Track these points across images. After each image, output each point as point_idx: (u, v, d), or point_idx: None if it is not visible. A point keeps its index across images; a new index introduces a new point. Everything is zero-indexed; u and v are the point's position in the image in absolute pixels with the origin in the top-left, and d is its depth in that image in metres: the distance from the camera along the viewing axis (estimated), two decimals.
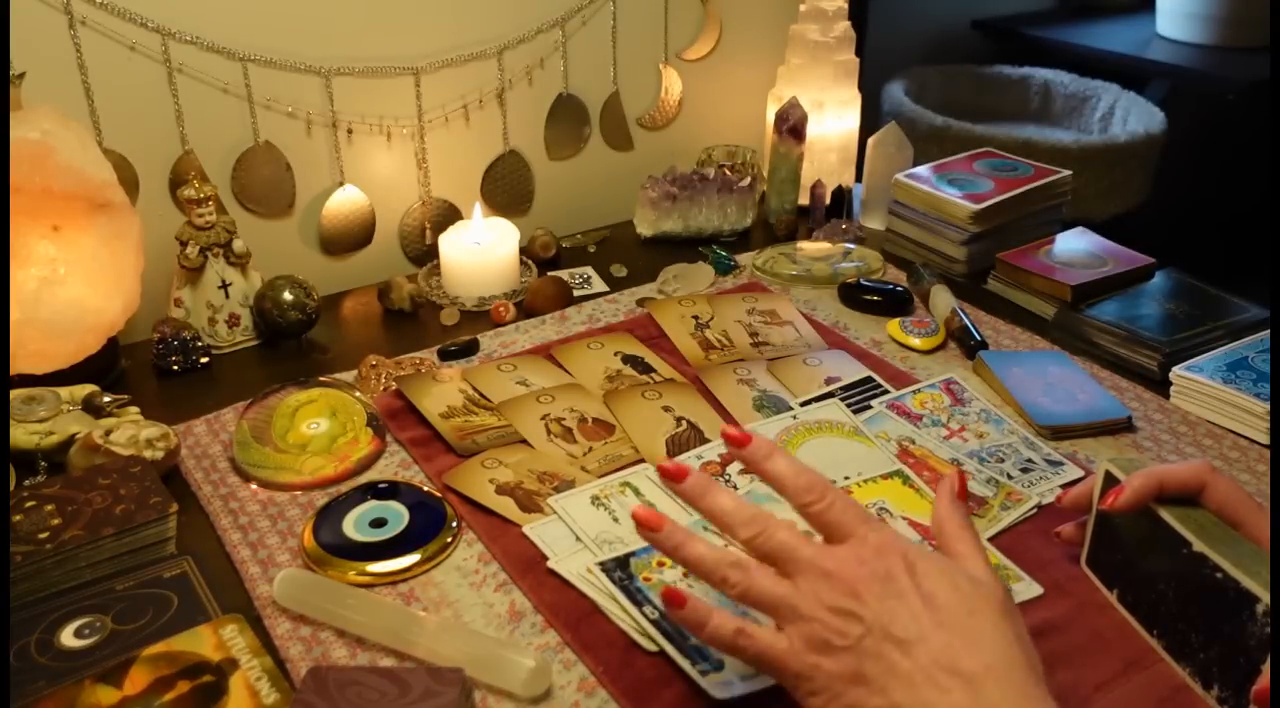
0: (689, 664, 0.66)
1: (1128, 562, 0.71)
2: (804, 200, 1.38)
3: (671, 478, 0.64)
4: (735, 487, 0.84)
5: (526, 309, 1.15)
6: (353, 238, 1.22)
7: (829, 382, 1.00)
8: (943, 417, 0.94)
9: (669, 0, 1.35)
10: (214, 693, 0.62)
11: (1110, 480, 0.71)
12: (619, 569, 0.74)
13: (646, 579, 0.73)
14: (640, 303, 1.16)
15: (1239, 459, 0.90)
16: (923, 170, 1.26)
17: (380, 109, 1.19)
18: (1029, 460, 0.88)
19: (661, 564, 0.74)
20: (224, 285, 1.07)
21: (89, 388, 0.92)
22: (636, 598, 0.71)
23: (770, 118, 1.36)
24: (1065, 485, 0.85)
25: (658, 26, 1.36)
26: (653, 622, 0.69)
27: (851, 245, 1.29)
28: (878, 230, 1.33)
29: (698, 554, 0.61)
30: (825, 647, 0.57)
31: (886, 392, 0.98)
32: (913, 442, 0.90)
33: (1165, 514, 0.67)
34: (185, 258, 1.05)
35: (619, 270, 1.25)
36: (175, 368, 1.03)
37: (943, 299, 1.12)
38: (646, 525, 0.62)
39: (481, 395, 0.97)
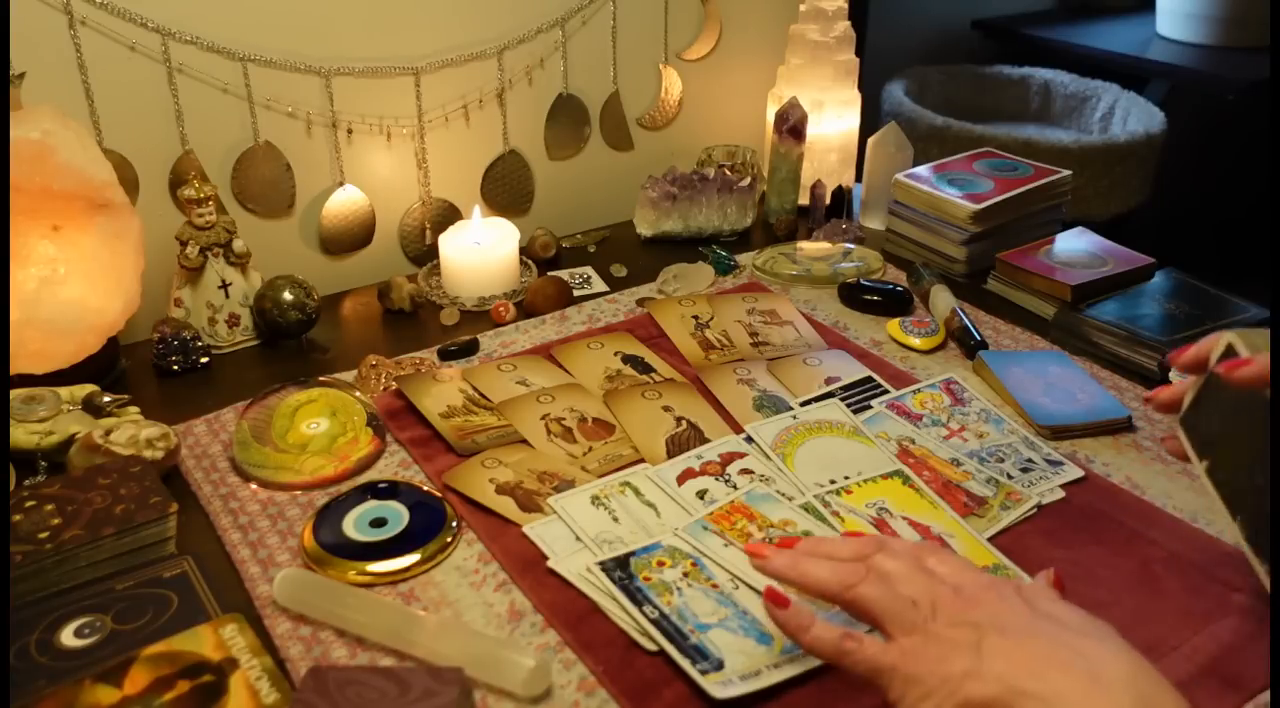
0: (689, 664, 0.66)
1: (1226, 437, 0.66)
2: (804, 200, 1.38)
3: (756, 554, 0.66)
4: (735, 486, 0.84)
5: (526, 309, 1.15)
6: (353, 238, 1.22)
7: (829, 382, 1.00)
8: (943, 417, 0.94)
9: (669, 0, 1.35)
10: (214, 693, 0.62)
11: (1230, 353, 0.65)
12: (619, 569, 0.74)
13: (646, 579, 0.73)
14: (640, 303, 1.16)
15: None
16: (923, 170, 1.26)
17: (380, 109, 1.19)
18: (1029, 460, 0.88)
19: (661, 564, 0.74)
20: (224, 285, 1.07)
21: (89, 388, 0.92)
22: (636, 598, 0.71)
23: (770, 118, 1.36)
24: (1067, 484, 0.85)
25: (658, 26, 1.36)
26: (653, 622, 0.69)
27: (851, 245, 1.29)
28: (878, 230, 1.33)
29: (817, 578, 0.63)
30: (940, 656, 0.56)
31: (886, 392, 0.98)
32: (913, 442, 0.90)
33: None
34: (185, 258, 1.05)
35: (619, 270, 1.25)
36: (175, 368, 1.03)
37: (943, 299, 1.12)
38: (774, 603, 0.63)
39: (481, 395, 0.97)
